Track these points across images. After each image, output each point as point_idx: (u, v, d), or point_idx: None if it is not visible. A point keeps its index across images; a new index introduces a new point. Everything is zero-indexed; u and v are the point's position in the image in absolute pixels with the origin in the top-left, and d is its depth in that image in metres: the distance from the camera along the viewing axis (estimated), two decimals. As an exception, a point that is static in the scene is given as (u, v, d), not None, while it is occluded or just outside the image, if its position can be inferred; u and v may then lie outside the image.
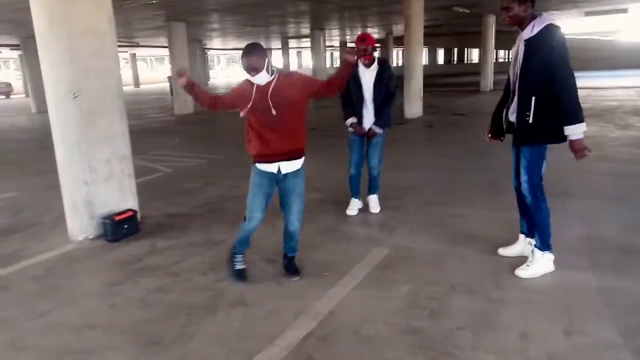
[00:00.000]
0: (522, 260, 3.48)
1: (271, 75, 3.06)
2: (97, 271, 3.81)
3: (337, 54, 47.05)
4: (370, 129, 4.53)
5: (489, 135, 3.55)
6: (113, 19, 4.41)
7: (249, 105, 3.10)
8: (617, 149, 7.38)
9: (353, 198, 4.84)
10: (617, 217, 4.38)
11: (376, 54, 4.50)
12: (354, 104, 4.51)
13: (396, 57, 36.15)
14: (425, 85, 13.10)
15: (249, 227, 3.32)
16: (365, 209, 4.86)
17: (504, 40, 26.34)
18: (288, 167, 3.23)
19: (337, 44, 37.22)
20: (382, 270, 3.56)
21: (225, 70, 58.70)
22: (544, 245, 3.32)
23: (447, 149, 8.07)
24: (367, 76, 4.42)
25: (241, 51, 3.04)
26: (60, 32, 4.04)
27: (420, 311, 2.94)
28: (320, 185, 5.81)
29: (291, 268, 3.55)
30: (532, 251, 3.39)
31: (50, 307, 3.20)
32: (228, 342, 2.74)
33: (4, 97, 30.11)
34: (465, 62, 43.08)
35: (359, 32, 28.66)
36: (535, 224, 3.33)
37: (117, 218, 4.32)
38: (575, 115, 2.95)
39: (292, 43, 35.15)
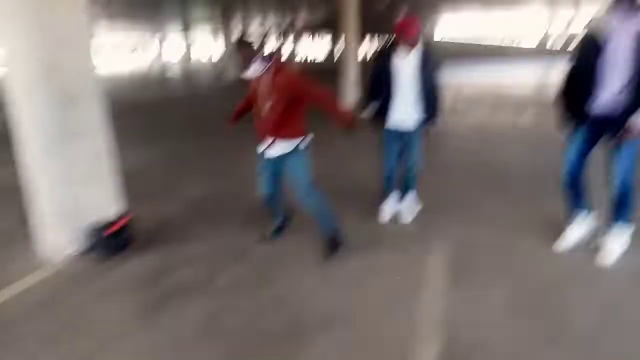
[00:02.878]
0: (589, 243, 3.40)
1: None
2: (115, 297, 2.92)
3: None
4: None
5: None
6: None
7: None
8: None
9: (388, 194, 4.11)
10: None
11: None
12: (383, 98, 3.75)
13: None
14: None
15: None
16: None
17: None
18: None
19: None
20: (457, 270, 3.15)
21: None
22: (628, 221, 3.24)
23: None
24: (406, 65, 3.63)
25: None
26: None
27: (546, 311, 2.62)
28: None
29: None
30: (613, 228, 3.27)
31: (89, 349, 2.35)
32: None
33: None
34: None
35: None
36: (628, 205, 3.18)
37: (111, 229, 3.40)
38: None
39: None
